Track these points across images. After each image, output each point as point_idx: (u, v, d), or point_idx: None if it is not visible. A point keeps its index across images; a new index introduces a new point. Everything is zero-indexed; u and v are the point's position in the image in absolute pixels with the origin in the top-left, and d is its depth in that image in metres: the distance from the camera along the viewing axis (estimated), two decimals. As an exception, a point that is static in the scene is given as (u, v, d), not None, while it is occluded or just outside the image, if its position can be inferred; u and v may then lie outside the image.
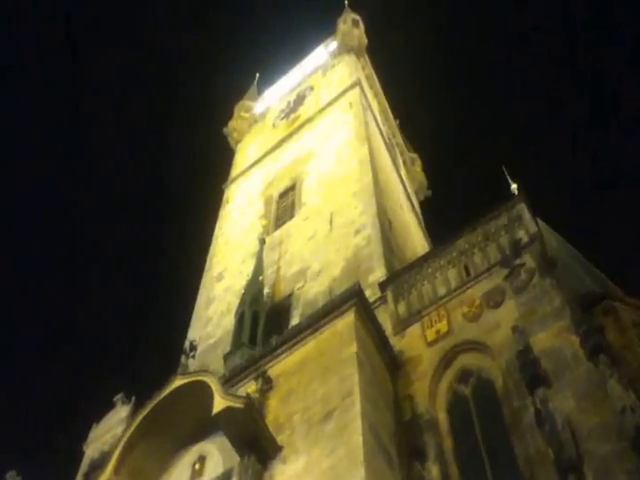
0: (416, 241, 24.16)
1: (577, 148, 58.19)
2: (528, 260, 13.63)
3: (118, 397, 20.38)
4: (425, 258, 16.25)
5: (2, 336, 54.68)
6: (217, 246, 23.95)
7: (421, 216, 28.74)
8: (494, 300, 13.33)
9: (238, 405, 12.45)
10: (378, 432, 11.65)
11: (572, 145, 60.01)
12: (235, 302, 18.27)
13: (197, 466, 13.34)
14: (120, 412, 19.63)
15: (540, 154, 57.94)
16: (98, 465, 14.79)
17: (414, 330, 14.14)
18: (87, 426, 20.39)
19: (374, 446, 11.20)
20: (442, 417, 12.33)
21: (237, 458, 12.32)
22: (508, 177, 16.31)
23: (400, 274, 15.93)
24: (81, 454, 19.44)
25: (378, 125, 28.17)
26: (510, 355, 11.98)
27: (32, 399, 52.63)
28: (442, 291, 14.66)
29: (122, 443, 13.77)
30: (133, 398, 19.50)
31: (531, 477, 10.38)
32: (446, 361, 13.08)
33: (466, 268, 14.73)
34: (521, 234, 14.45)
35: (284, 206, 22.98)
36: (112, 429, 18.47)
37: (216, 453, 13.19)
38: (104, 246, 58.61)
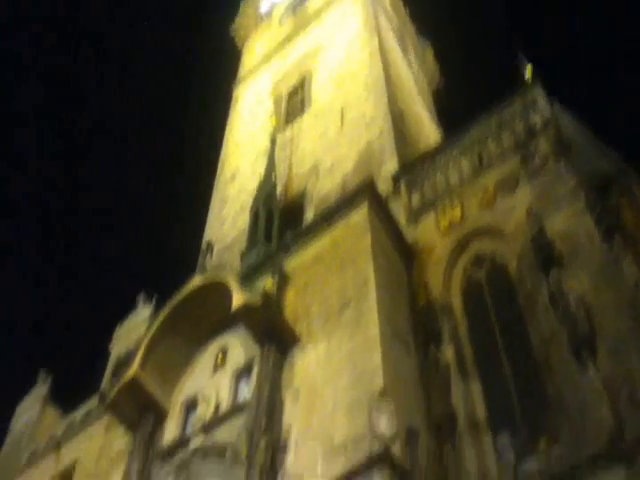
0: (429, 132, 23.79)
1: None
2: (542, 144, 13.42)
3: (140, 297, 20.90)
4: (438, 149, 16.07)
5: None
6: (228, 147, 23.77)
7: (433, 107, 28.14)
8: (508, 186, 13.23)
9: (256, 301, 12.69)
10: (394, 319, 11.88)
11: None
12: (249, 202, 18.27)
13: (219, 358, 13.76)
14: (142, 312, 20.16)
15: (556, 35, 55.88)
16: (124, 363, 15.23)
17: (428, 220, 14.15)
18: (111, 327, 21.04)
19: (390, 332, 11.44)
20: (457, 302, 12.50)
21: (258, 349, 12.67)
22: (524, 61, 15.74)
23: (413, 165, 15.79)
24: (108, 354, 20.14)
25: (388, 15, 27.25)
26: (524, 239, 12.00)
27: (58, 303, 54.34)
28: (455, 180, 14.55)
29: (146, 340, 14.20)
30: (154, 298, 19.99)
31: (545, 356, 10.58)
32: (460, 248, 13.15)
33: (480, 157, 14.54)
34: (536, 119, 14.17)
35: (294, 103, 22.58)
36: (136, 329, 19.00)
37: (237, 345, 13.59)
38: (124, 156, 58.51)
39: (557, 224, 11.79)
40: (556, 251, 11.30)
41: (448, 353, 11.64)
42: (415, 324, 12.31)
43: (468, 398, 11.01)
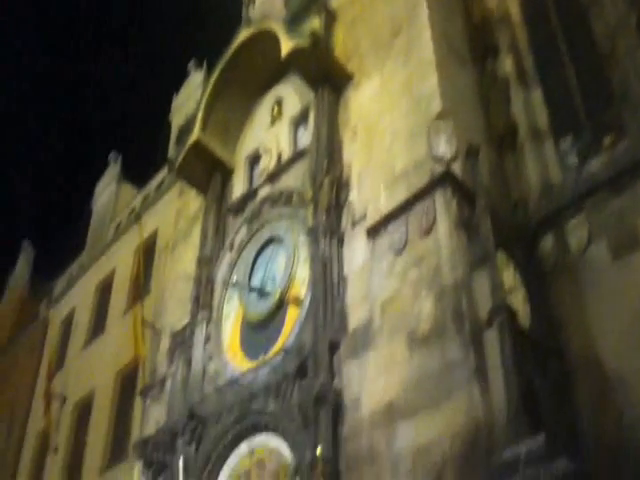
0: None
1: None
2: None
3: (190, 65, 20.59)
4: None
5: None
6: None
7: None
8: None
9: (304, 43, 12.18)
10: (448, 38, 11.13)
11: None
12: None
13: (275, 110, 13.65)
14: (195, 78, 19.98)
15: None
16: (186, 130, 15.32)
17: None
18: (168, 100, 21.06)
19: (445, 52, 10.78)
20: (514, 10, 11.48)
21: (312, 94, 12.40)
22: None
23: None
24: (169, 126, 20.36)
25: None
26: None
27: (116, 90, 55.03)
28: None
29: (203, 102, 14.23)
30: (205, 62, 19.66)
31: (611, 49, 9.68)
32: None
33: None
34: None
35: None
36: (192, 96, 18.95)
37: (291, 94, 13.42)
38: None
39: None
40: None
41: (507, 65, 10.93)
42: (471, 41, 11.53)
43: (529, 107, 10.48)
